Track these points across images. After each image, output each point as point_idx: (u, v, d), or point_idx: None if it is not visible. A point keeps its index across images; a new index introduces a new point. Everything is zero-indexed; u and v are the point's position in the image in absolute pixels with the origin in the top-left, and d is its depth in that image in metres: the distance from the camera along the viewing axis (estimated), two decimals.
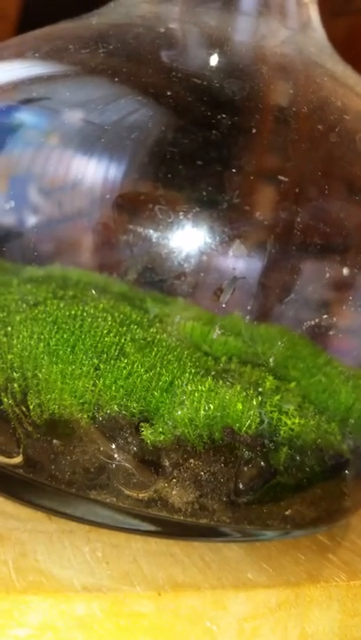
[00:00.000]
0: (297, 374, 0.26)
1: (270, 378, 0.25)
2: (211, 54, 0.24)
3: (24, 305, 0.25)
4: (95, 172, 0.22)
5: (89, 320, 0.24)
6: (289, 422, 0.24)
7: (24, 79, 0.23)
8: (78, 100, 0.23)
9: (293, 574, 0.24)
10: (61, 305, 0.25)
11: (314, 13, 0.26)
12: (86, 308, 0.25)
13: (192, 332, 0.25)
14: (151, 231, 0.22)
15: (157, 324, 0.25)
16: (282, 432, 0.24)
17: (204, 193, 0.20)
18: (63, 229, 0.24)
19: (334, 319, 0.23)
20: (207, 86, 0.21)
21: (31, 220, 0.24)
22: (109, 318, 0.25)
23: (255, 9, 0.24)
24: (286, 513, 0.24)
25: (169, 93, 0.21)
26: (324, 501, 0.25)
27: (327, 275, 0.22)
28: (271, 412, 0.24)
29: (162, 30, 0.24)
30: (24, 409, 0.23)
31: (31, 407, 0.23)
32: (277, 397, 0.24)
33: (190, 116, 0.21)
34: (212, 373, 0.23)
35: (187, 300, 0.24)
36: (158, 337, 0.25)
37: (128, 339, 0.24)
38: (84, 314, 0.25)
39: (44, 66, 0.24)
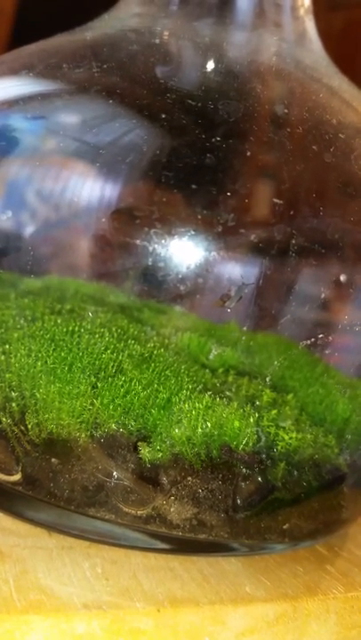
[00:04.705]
0: (294, 384, 0.26)
1: (268, 391, 0.25)
2: (205, 73, 0.23)
3: (22, 321, 0.25)
4: (89, 195, 0.22)
5: (86, 337, 0.24)
6: (286, 437, 0.24)
7: (18, 98, 0.23)
8: (73, 120, 0.23)
9: (291, 587, 0.24)
10: (59, 321, 0.25)
11: (310, 24, 0.26)
12: (83, 324, 0.25)
13: (190, 344, 0.26)
14: (146, 250, 0.22)
15: (155, 338, 0.25)
16: (279, 447, 0.24)
17: (199, 216, 0.20)
18: (56, 252, 0.24)
19: (330, 337, 0.23)
20: (202, 108, 0.21)
21: (18, 243, 0.24)
22: (107, 334, 0.25)
23: (250, 23, 0.24)
24: (284, 527, 0.24)
25: (163, 115, 0.21)
26: (322, 514, 0.25)
27: (322, 295, 0.22)
28: (268, 426, 0.24)
29: (156, 47, 0.23)
30: (22, 428, 0.23)
31: (29, 426, 0.23)
32: (275, 412, 0.24)
33: (185, 139, 0.21)
34: (209, 391, 0.23)
35: (184, 313, 0.24)
36: (156, 352, 0.25)
37: (126, 355, 0.24)
38: (82, 330, 0.25)
39: (38, 85, 0.24)
